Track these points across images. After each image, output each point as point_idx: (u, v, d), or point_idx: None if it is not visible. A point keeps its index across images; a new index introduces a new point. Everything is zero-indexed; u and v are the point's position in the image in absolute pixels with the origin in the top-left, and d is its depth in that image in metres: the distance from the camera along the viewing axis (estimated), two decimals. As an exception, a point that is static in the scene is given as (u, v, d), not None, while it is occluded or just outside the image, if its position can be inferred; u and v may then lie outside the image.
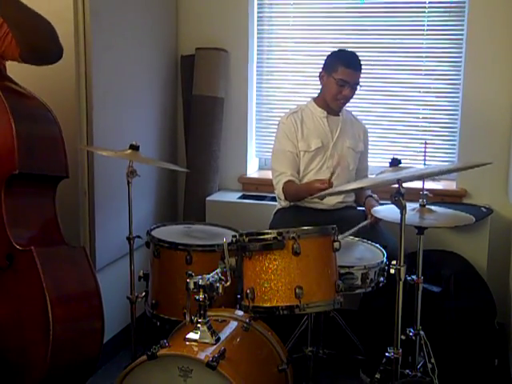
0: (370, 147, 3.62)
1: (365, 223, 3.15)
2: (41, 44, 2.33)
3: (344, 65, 3.23)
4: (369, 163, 3.62)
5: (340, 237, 2.55)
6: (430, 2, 3.74)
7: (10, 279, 2.38)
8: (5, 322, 2.40)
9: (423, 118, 3.87)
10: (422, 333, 2.74)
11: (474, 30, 3.61)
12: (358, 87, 3.30)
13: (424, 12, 3.76)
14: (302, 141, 3.35)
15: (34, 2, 2.31)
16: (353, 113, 3.57)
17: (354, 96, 3.34)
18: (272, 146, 3.48)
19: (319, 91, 3.42)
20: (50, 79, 2.89)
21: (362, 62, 3.29)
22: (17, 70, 2.55)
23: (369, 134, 3.60)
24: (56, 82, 2.92)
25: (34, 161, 2.43)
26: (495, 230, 3.58)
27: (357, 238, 3.02)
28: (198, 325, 2.27)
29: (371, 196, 3.37)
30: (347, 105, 3.42)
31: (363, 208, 3.38)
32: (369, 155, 3.62)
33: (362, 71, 3.30)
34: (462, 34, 3.70)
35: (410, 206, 2.46)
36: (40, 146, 2.47)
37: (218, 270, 2.34)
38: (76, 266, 2.58)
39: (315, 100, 3.43)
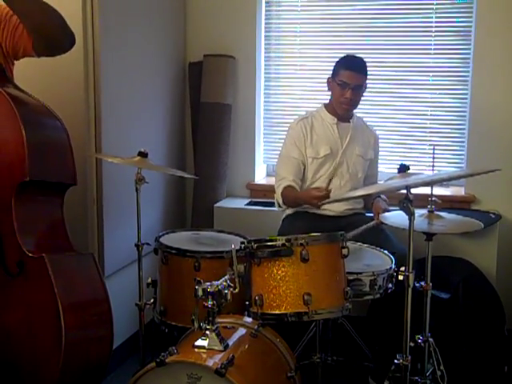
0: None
1: (371, 224, 3.14)
2: (53, 32, 2.34)
3: (345, 67, 3.26)
4: (378, 169, 3.61)
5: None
6: (437, 4, 3.75)
7: (21, 286, 2.39)
8: (16, 330, 2.41)
9: (431, 123, 3.86)
10: (431, 340, 2.72)
11: (482, 35, 3.61)
12: (362, 91, 3.30)
13: (432, 11, 3.77)
14: (311, 147, 3.35)
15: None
16: (364, 119, 3.56)
17: (363, 103, 3.33)
18: (279, 151, 3.48)
19: (330, 97, 3.42)
20: (59, 87, 2.91)
21: (370, 67, 3.29)
22: (24, 78, 2.56)
23: (379, 140, 3.59)
24: (64, 90, 2.94)
25: (44, 168, 2.45)
26: (504, 236, 3.56)
27: (365, 245, 3.01)
28: (207, 332, 2.26)
29: (379, 196, 3.35)
30: (358, 111, 3.42)
31: (372, 214, 3.37)
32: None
33: (373, 77, 3.28)
34: (470, 35, 3.70)
35: (418, 212, 2.45)
36: (49, 153, 2.49)
37: (227, 277, 2.34)
38: (85, 273, 2.59)
39: (326, 106, 3.43)
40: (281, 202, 3.34)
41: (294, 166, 3.35)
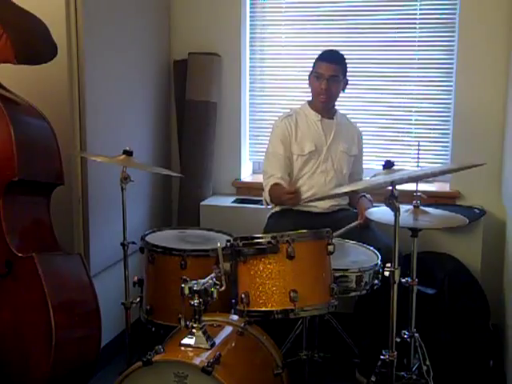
0: (363, 150, 3.62)
1: (354, 224, 3.16)
2: (36, 43, 2.34)
3: (320, 59, 3.32)
4: (363, 166, 3.62)
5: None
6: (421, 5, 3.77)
7: (10, 286, 2.39)
8: (6, 330, 2.40)
9: (416, 119, 3.88)
10: (416, 335, 2.74)
11: (466, 31, 3.63)
12: (339, 83, 3.31)
13: (416, 4, 3.79)
14: (296, 144, 3.36)
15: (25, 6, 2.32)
16: (347, 116, 3.57)
17: (346, 97, 3.34)
18: (265, 149, 3.49)
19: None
20: (43, 85, 2.89)
21: (355, 64, 3.29)
22: (9, 77, 2.55)
23: (362, 137, 3.60)
24: (48, 89, 2.92)
25: (32, 168, 2.45)
26: (488, 231, 3.59)
27: (352, 241, 3.02)
28: (193, 330, 2.27)
29: (364, 196, 3.37)
30: (343, 107, 3.42)
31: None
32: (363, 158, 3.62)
33: (357, 73, 3.29)
34: (453, 36, 3.72)
35: (403, 207, 2.46)
36: (38, 153, 2.50)
37: (213, 275, 2.34)
38: (74, 273, 2.60)
39: (309, 103, 3.44)
40: (268, 200, 3.35)
41: (280, 162, 3.36)
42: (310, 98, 3.44)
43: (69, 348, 2.43)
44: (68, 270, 2.60)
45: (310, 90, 3.41)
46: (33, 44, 2.36)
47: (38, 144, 2.52)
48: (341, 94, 3.39)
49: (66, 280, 2.56)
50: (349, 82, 3.40)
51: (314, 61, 3.37)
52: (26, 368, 2.40)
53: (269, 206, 3.41)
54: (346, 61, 3.36)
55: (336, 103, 3.44)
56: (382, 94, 3.90)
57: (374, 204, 3.30)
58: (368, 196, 3.37)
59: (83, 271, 2.62)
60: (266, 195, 3.37)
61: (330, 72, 3.27)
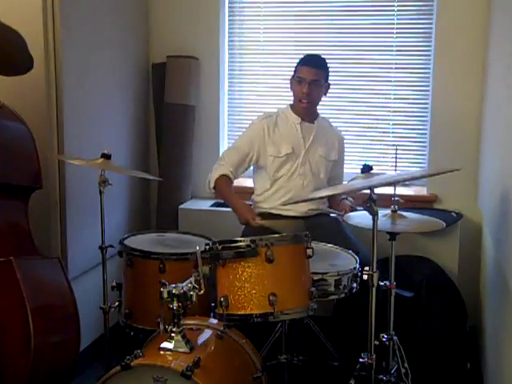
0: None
1: (337, 212, 3.26)
2: (12, 55, 2.32)
3: (302, 63, 3.32)
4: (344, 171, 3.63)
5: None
6: (398, 5, 3.81)
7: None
8: None
9: (394, 124, 3.91)
10: (395, 338, 2.76)
11: (442, 37, 3.67)
12: (321, 87, 3.32)
13: (393, 14, 3.83)
14: (272, 146, 3.36)
15: (1, 10, 2.30)
16: (330, 120, 3.58)
17: (325, 102, 3.34)
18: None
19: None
20: (20, 88, 2.86)
21: (335, 64, 3.30)
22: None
23: (344, 142, 3.60)
24: (26, 91, 2.89)
25: (9, 171, 2.43)
26: (465, 235, 3.62)
27: (330, 245, 3.03)
28: (172, 334, 2.26)
29: (347, 199, 3.38)
30: (322, 112, 3.44)
31: (336, 213, 3.38)
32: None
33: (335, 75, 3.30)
34: (430, 41, 3.76)
35: (381, 212, 2.48)
36: (14, 156, 2.47)
37: (192, 279, 2.33)
38: (52, 277, 2.58)
39: (291, 106, 3.45)
40: (212, 185, 3.34)
41: (239, 157, 3.36)
42: (291, 102, 3.44)
43: (47, 352, 2.40)
44: (46, 274, 2.58)
45: (289, 93, 3.41)
46: (9, 56, 2.34)
47: (15, 147, 2.50)
48: (323, 98, 3.40)
49: (45, 284, 2.54)
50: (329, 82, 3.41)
51: (292, 65, 3.38)
52: (5, 372, 2.37)
53: (208, 190, 3.41)
54: (327, 61, 3.37)
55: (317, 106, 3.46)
56: (360, 93, 3.94)
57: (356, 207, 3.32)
58: (350, 198, 3.38)
59: (62, 275, 2.59)
60: (211, 179, 3.34)
61: (312, 76, 3.28)
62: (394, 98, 3.88)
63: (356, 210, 3.11)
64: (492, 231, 3.06)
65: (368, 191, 2.31)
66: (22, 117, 2.51)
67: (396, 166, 2.98)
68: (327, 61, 3.37)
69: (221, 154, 4.04)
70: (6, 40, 2.30)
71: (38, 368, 2.32)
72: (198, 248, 2.37)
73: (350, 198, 3.38)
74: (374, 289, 2.33)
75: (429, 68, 3.79)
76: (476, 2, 3.60)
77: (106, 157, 2.78)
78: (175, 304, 2.23)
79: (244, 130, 3.50)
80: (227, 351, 2.47)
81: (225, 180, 3.31)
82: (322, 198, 3.31)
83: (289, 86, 3.41)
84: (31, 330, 2.29)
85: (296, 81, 3.32)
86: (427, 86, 3.80)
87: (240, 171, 3.39)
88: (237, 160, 3.36)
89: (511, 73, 2.56)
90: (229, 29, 4.05)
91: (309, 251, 2.45)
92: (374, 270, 2.32)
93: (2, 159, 2.36)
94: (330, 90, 3.40)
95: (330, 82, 3.38)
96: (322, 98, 3.41)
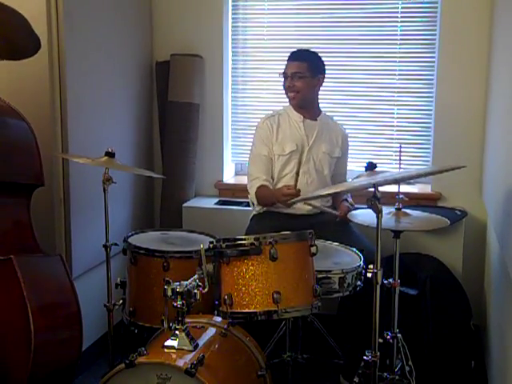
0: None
1: (333, 212, 3.26)
2: (18, 36, 2.32)
3: (287, 60, 3.39)
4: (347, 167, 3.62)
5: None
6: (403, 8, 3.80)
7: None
8: None
9: (398, 122, 3.90)
10: (399, 336, 2.75)
11: (447, 34, 3.66)
12: (304, 78, 3.31)
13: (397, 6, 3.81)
14: (277, 144, 3.37)
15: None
16: (334, 118, 3.58)
17: (328, 96, 3.33)
18: (249, 151, 3.50)
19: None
20: (23, 87, 2.87)
21: (343, 58, 3.35)
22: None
23: (348, 138, 3.60)
24: (29, 90, 2.90)
25: (10, 169, 2.42)
26: (470, 233, 3.62)
27: (334, 243, 3.03)
28: (176, 331, 2.26)
29: (346, 200, 3.38)
30: (327, 110, 3.44)
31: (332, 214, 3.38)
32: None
33: (339, 68, 3.45)
34: (434, 38, 3.74)
35: (385, 209, 2.47)
36: (16, 154, 2.47)
37: (196, 277, 2.34)
38: (54, 275, 2.58)
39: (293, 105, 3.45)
40: (255, 202, 3.35)
41: (264, 164, 3.37)
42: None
43: (48, 351, 2.41)
44: (48, 272, 2.58)
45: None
46: (15, 38, 2.33)
47: (17, 145, 2.50)
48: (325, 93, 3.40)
49: (46, 282, 2.54)
50: (331, 77, 3.41)
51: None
52: (5, 370, 2.37)
53: (257, 208, 3.41)
54: (331, 56, 3.39)
55: (320, 103, 3.46)
56: (364, 87, 3.91)
57: (357, 205, 3.31)
58: (349, 200, 3.38)
59: (63, 273, 2.59)
60: (252, 197, 3.37)
61: (293, 69, 3.33)
62: (398, 96, 3.87)
63: (355, 209, 3.11)
64: (497, 229, 3.05)
65: (372, 189, 2.30)
66: (24, 115, 2.50)
67: (400, 164, 2.98)
68: (332, 55, 3.38)
69: (224, 153, 4.08)
70: (9, 21, 2.29)
71: (38, 366, 2.32)
72: (202, 246, 2.38)
73: (350, 200, 3.38)
74: (378, 286, 2.32)
75: (433, 57, 3.76)
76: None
77: (110, 155, 2.78)
78: (179, 302, 2.23)
79: (253, 137, 3.49)
80: (231, 349, 2.47)
81: (262, 189, 3.32)
82: (328, 195, 3.31)
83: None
84: (32, 329, 2.29)
85: (283, 77, 3.38)
86: (431, 83, 3.78)
87: (271, 175, 3.40)
88: (263, 167, 3.37)
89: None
90: (232, 26, 4.04)
91: (313, 249, 2.46)
92: (379, 267, 2.32)
93: (5, 157, 2.36)
94: (333, 85, 3.40)
95: (332, 76, 3.38)
96: (323, 90, 3.41)
